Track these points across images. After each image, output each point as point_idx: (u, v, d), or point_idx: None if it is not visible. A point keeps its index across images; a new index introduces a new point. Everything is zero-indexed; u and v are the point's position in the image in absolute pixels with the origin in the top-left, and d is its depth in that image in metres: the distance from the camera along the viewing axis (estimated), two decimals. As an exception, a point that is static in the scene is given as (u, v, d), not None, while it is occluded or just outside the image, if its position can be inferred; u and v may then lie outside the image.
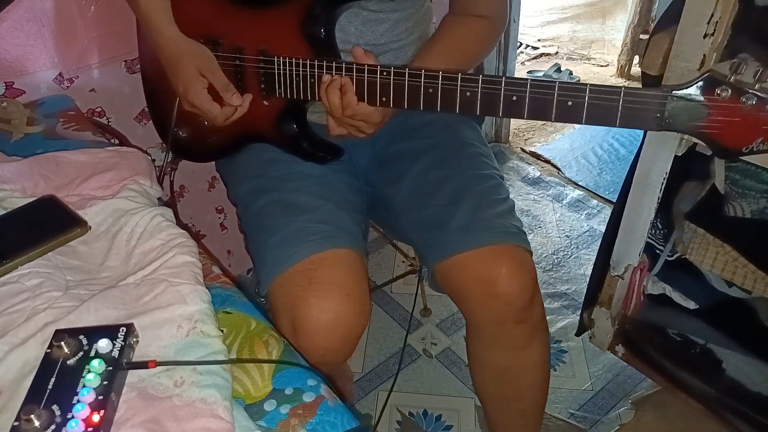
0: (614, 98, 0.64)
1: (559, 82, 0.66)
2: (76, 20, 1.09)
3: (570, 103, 0.66)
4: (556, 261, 1.73)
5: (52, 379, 0.49)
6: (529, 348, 0.91)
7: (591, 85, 0.65)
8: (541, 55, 2.96)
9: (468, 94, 0.71)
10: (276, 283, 0.80)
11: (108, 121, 1.21)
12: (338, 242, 0.82)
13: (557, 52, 2.98)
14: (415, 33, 0.95)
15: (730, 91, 0.60)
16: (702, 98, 0.61)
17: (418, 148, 0.96)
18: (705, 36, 0.86)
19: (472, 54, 0.95)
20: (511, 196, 0.94)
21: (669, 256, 1.19)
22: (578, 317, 1.35)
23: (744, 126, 0.60)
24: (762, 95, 0.58)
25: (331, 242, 0.81)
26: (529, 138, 2.31)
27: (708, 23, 0.85)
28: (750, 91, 0.59)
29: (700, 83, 0.61)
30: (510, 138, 2.28)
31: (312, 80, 0.81)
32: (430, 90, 0.73)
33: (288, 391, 0.58)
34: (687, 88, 0.62)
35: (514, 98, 0.69)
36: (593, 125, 0.68)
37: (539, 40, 3.09)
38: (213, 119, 0.86)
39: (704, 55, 0.88)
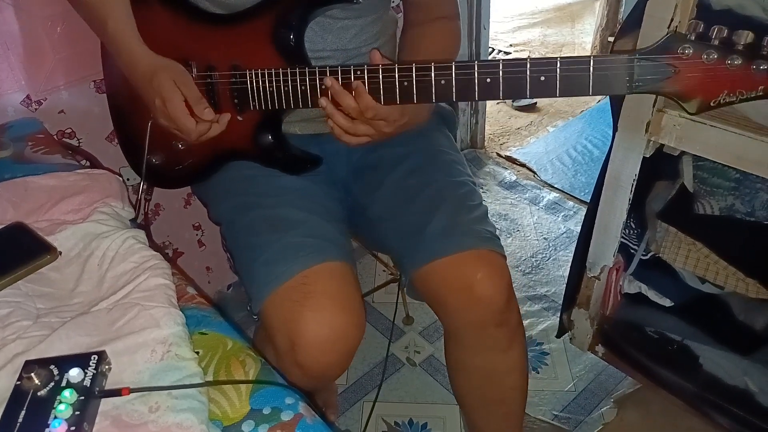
0: (584, 67, 0.66)
1: (531, 59, 0.68)
2: (42, 42, 1.08)
3: (543, 78, 0.68)
4: (534, 264, 1.75)
5: (23, 412, 0.48)
6: (510, 350, 0.92)
7: (561, 57, 0.67)
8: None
9: (443, 82, 0.73)
10: (269, 301, 0.80)
11: (79, 142, 1.20)
12: (329, 255, 0.82)
13: (529, 57, 3.02)
14: (382, 38, 0.97)
15: (692, 48, 0.62)
16: (666, 58, 0.64)
17: (393, 156, 0.97)
18: (666, 40, 0.88)
19: (449, 53, 0.97)
20: (489, 200, 0.95)
21: (643, 255, 1.21)
22: (558, 319, 1.37)
23: (709, 81, 0.63)
24: (721, 49, 0.61)
25: (322, 256, 0.81)
26: (504, 143, 2.33)
27: (668, 28, 0.87)
28: (711, 46, 0.62)
29: (664, 43, 0.64)
30: (485, 143, 2.30)
31: (286, 88, 0.82)
32: (405, 83, 0.74)
33: (266, 411, 0.58)
34: (652, 49, 0.65)
35: (488, 80, 0.70)
36: (567, 96, 0.71)
37: (511, 45, 3.13)
38: (187, 134, 0.84)
39: (666, 59, 0.90)
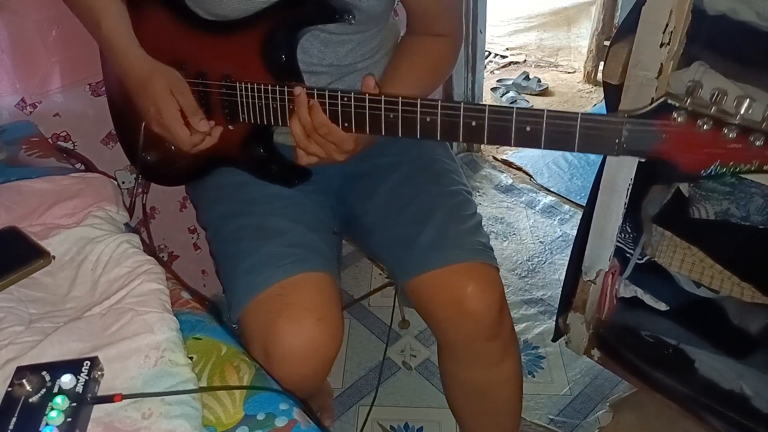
0: (571, 124, 0.64)
1: (517, 109, 0.67)
2: (37, 45, 1.08)
3: (528, 129, 0.67)
4: (531, 267, 1.75)
5: (14, 419, 0.48)
6: (503, 363, 0.91)
7: (548, 110, 0.65)
8: (510, 63, 3.00)
9: (428, 119, 0.72)
10: (247, 310, 0.79)
11: (74, 146, 1.19)
12: (309, 265, 0.81)
13: (525, 60, 3.03)
14: (380, 52, 0.95)
15: (686, 115, 0.59)
16: (658, 123, 0.61)
17: (387, 165, 0.96)
18: (661, 45, 0.89)
19: (440, 73, 0.96)
20: (485, 204, 0.95)
21: (639, 259, 1.21)
22: (554, 323, 1.37)
23: (700, 151, 0.59)
24: (718, 118, 0.58)
25: (302, 266, 0.80)
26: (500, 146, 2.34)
27: (663, 33, 0.88)
28: (706, 115, 0.58)
29: (656, 108, 0.61)
30: (482, 146, 2.30)
31: (275, 105, 0.81)
32: (391, 116, 0.74)
33: (260, 417, 0.57)
34: (643, 112, 0.62)
35: (474, 124, 0.69)
36: (552, 150, 0.69)
37: (507, 49, 3.14)
38: (181, 144, 0.84)
39: (661, 64, 0.90)
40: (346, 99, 0.75)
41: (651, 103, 0.61)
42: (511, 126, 0.67)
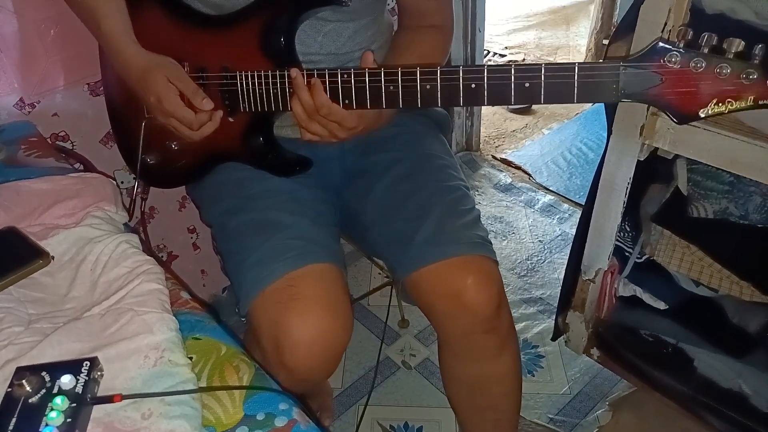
0: (569, 74, 0.65)
1: (515, 65, 0.68)
2: (35, 45, 1.07)
3: (527, 84, 0.67)
4: (530, 266, 1.75)
5: (14, 420, 0.48)
6: (501, 357, 0.91)
7: (546, 64, 0.66)
8: (509, 62, 3.00)
9: (428, 87, 0.72)
10: (256, 303, 0.80)
11: (72, 146, 1.19)
12: (316, 257, 0.81)
13: (524, 59, 3.03)
14: (375, 43, 0.96)
15: (680, 56, 0.61)
16: (653, 66, 0.63)
17: (386, 161, 0.97)
18: (660, 44, 0.89)
19: (435, 62, 0.96)
20: (484, 203, 0.95)
21: (638, 258, 1.21)
22: (554, 322, 1.37)
23: (697, 90, 0.62)
24: (710, 58, 0.60)
25: (309, 257, 0.81)
26: (499, 145, 2.34)
27: (662, 32, 0.88)
28: (698, 55, 0.60)
29: (650, 50, 0.63)
30: (481, 146, 2.30)
31: (275, 91, 0.82)
32: (391, 87, 0.74)
33: (260, 417, 0.57)
34: (638, 56, 0.63)
35: (473, 86, 0.70)
36: (553, 104, 0.69)
37: (506, 48, 3.14)
38: (189, 125, 0.84)
39: (660, 63, 0.90)
40: (345, 76, 0.75)
41: (645, 47, 0.63)
42: (510, 84, 0.68)
